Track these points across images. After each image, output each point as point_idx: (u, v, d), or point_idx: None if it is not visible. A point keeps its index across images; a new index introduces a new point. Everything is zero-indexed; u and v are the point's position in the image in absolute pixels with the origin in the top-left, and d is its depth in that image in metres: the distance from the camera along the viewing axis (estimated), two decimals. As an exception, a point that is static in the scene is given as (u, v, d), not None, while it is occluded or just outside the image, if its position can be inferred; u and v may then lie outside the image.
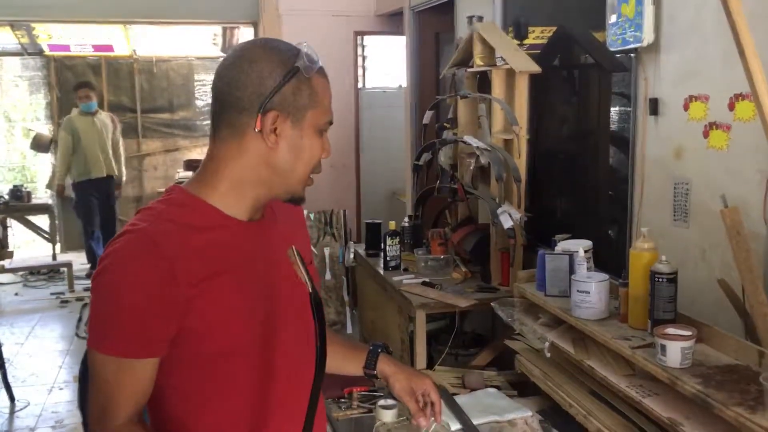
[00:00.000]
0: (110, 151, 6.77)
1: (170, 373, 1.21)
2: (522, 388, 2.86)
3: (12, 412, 4.03)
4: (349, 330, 4.61)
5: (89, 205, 6.74)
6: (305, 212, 4.21)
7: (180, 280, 1.14)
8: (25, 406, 4.10)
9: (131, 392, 1.18)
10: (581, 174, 3.39)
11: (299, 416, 1.29)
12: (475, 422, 2.47)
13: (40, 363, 4.87)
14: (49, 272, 7.06)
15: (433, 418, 1.53)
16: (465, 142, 3.30)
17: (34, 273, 6.98)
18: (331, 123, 1.26)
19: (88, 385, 1.21)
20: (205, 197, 1.23)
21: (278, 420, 1.28)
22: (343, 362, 1.55)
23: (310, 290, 1.15)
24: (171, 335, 1.16)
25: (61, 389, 4.39)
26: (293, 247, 1.15)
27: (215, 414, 1.22)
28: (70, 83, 7.86)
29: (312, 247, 4.07)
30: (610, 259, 2.72)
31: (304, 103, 1.20)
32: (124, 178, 7.13)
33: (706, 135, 2.21)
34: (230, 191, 1.23)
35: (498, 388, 2.85)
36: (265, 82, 1.18)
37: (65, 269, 6.67)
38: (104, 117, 6.89)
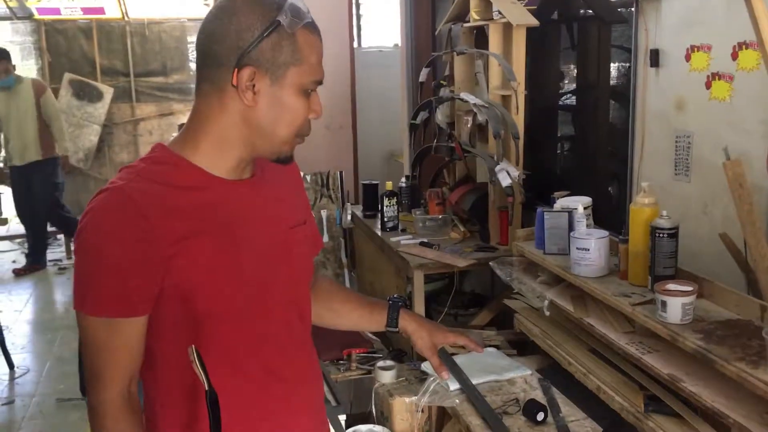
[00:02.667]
0: (33, 132, 5.83)
1: (159, 336, 1.18)
2: (521, 347, 2.85)
3: (11, 379, 4.03)
4: (348, 292, 4.56)
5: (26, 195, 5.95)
6: (300, 174, 4.16)
7: (158, 238, 1.11)
8: (25, 373, 4.11)
9: (120, 356, 1.15)
10: (581, 130, 3.33)
11: (292, 381, 1.27)
12: (474, 382, 2.46)
13: (39, 330, 4.87)
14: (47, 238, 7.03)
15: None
16: (462, 99, 3.23)
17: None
18: (319, 83, 1.19)
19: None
20: (188, 156, 1.19)
21: (269, 385, 1.25)
22: (363, 320, 1.54)
23: (207, 388, 1.09)
24: (153, 295, 1.14)
25: (60, 356, 4.39)
26: (193, 347, 1.09)
27: (194, 380, 1.18)
28: (62, 47, 7.74)
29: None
30: (611, 216, 2.68)
31: (286, 60, 1.14)
32: (68, 153, 6.32)
33: (708, 86, 2.14)
34: (212, 150, 1.19)
35: (497, 347, 2.84)
36: (243, 35, 1.12)
37: (62, 236, 6.64)
38: (26, 87, 5.91)
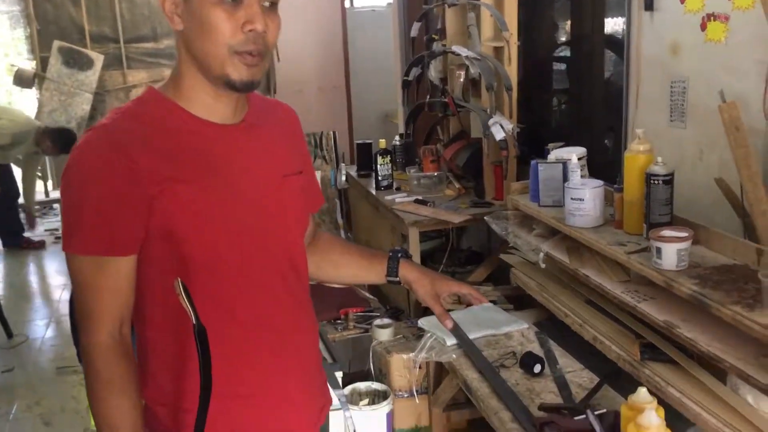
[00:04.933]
0: None
1: (149, 280, 1.17)
2: (518, 302, 2.84)
3: (12, 347, 4.04)
4: (345, 253, 4.53)
5: None
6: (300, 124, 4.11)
7: (141, 177, 1.10)
8: (23, 342, 4.11)
9: (109, 296, 1.14)
10: (576, 81, 3.27)
11: (284, 332, 1.25)
12: (471, 337, 2.45)
13: (37, 298, 4.87)
14: (43, 208, 7.00)
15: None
16: (454, 53, 3.17)
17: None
18: None
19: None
20: (174, 98, 1.18)
21: (260, 334, 1.23)
22: (363, 271, 1.51)
23: (194, 322, 1.06)
24: (139, 235, 1.13)
25: (58, 323, 4.39)
26: (179, 280, 1.06)
27: (185, 322, 1.15)
28: (50, 15, 7.61)
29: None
30: (606, 168, 2.64)
31: None
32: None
33: (703, 27, 2.08)
34: (189, 90, 1.18)
35: (494, 302, 2.83)
36: None
37: (57, 205, 6.61)
38: None
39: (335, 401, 2.24)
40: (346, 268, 1.49)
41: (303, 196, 1.32)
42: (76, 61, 7.50)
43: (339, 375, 2.26)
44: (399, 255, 1.47)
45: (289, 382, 1.27)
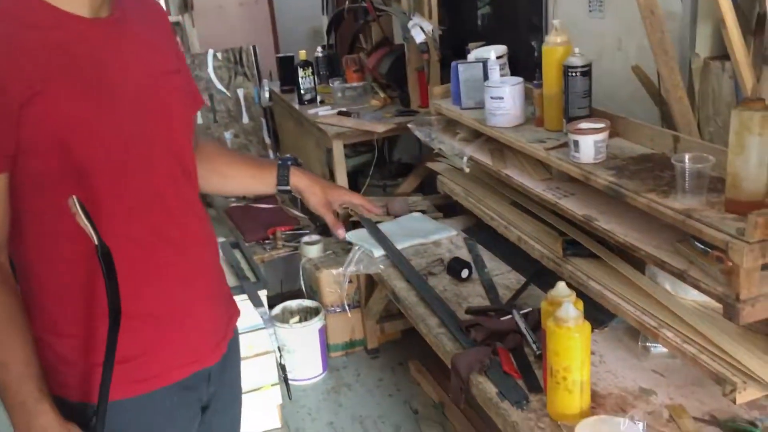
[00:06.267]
0: None
1: (28, 200, 1.06)
2: (448, 210, 2.81)
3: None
4: (274, 173, 4.40)
5: None
6: (210, 51, 3.87)
7: (8, 84, 0.98)
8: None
9: None
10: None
11: (181, 245, 1.17)
12: (399, 247, 2.41)
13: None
14: None
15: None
16: (371, -46, 3.00)
17: None
18: None
19: None
20: None
21: (156, 249, 1.14)
22: (252, 181, 1.42)
23: (96, 242, 0.97)
24: (9, 149, 1.01)
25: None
26: (74, 198, 0.96)
27: (74, 244, 1.06)
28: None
29: (224, 89, 3.80)
30: (531, 68, 2.56)
31: None
32: None
33: None
34: None
35: (423, 212, 2.80)
36: None
37: None
38: None
39: (258, 320, 2.19)
40: (234, 179, 1.41)
41: (185, 96, 1.21)
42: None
43: (263, 294, 2.20)
44: (289, 163, 1.41)
45: (192, 297, 1.20)
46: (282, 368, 2.09)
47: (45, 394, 1.06)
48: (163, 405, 1.17)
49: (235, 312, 1.35)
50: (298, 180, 1.39)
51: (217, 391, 1.27)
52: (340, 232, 1.42)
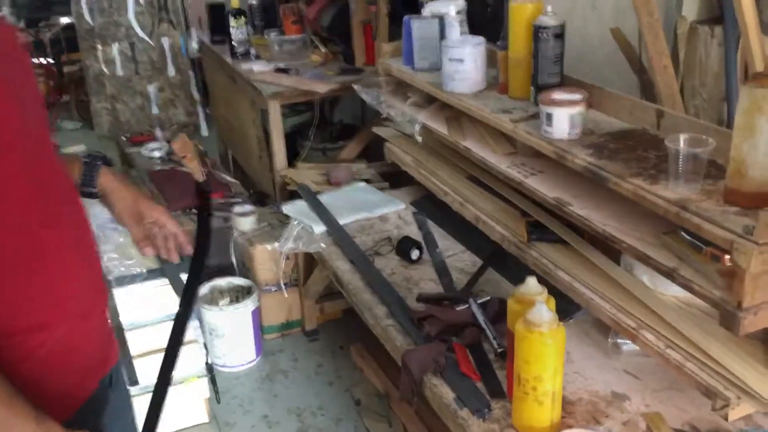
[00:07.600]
0: None
1: None
2: (395, 179, 2.60)
3: None
4: (204, 132, 4.09)
5: None
6: None
7: None
8: None
9: None
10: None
11: (60, 227, 1.00)
12: (341, 222, 2.19)
13: None
14: None
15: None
16: None
17: None
18: None
19: None
20: None
21: (42, 235, 0.98)
22: None
23: None
24: None
25: None
26: None
27: None
28: None
29: (147, 37, 3.43)
30: (490, 27, 2.33)
31: None
32: None
33: None
34: None
35: (368, 181, 2.58)
36: None
37: None
38: None
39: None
40: None
41: None
42: None
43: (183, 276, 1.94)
44: (98, 162, 1.22)
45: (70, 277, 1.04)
46: (209, 368, 1.87)
47: (39, 411, 0.92)
48: None
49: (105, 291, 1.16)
50: (108, 181, 1.22)
51: None
52: (147, 251, 1.25)
